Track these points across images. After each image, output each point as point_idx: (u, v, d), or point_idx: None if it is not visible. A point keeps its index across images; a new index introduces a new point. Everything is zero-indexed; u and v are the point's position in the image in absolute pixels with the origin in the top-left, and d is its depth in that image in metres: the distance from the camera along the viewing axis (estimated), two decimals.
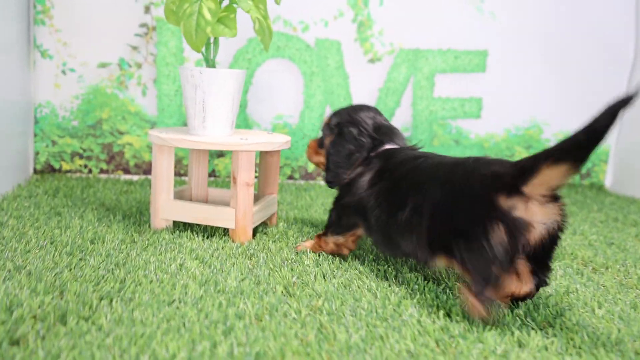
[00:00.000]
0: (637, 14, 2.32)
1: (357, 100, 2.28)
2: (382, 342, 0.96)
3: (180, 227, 1.58)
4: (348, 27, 2.23)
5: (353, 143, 1.37)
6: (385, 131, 1.39)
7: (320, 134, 1.54)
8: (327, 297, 1.14)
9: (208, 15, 1.42)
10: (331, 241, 1.40)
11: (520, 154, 2.38)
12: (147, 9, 2.12)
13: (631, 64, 2.33)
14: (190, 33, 1.42)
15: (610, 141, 2.43)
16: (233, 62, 2.18)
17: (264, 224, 1.67)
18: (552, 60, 2.33)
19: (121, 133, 2.17)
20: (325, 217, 1.79)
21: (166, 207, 1.54)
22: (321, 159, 1.48)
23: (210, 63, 1.55)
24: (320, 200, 2.02)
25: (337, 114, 1.45)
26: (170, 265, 1.27)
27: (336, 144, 1.40)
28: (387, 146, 1.37)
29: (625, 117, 2.36)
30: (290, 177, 2.32)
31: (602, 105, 0.91)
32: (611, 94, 2.37)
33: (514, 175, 1.03)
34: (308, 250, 1.41)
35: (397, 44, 2.25)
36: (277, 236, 1.55)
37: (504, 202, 1.02)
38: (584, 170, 2.42)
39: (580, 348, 0.99)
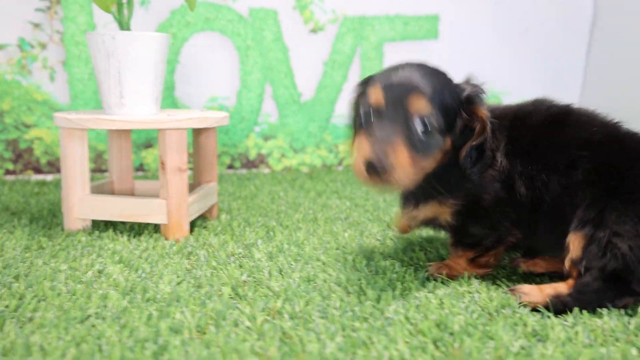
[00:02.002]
0: None
1: (299, 77, 2.04)
2: (367, 349, 0.73)
3: (101, 227, 1.31)
4: None
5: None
6: None
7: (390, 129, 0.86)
8: (288, 296, 0.91)
9: None
10: (482, 262, 1.02)
11: None
12: None
13: (590, 22, 2.19)
14: None
15: None
16: None
17: (203, 217, 1.41)
18: (507, 21, 2.16)
19: (27, 126, 1.86)
20: (274, 205, 1.55)
21: (82, 204, 1.27)
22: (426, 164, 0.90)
23: (124, 27, 1.28)
24: (267, 188, 1.78)
25: (430, 79, 0.88)
26: (87, 273, 1.01)
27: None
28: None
29: (589, 79, 2.23)
30: (230, 167, 2.06)
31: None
32: (571, 55, 2.30)
33: None
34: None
35: (340, 11, 2.02)
36: (219, 229, 1.31)
37: None
38: None
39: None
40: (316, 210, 1.50)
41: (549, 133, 0.94)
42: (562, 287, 0.88)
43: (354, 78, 2.07)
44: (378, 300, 0.90)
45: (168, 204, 1.23)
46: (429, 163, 0.89)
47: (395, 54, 2.08)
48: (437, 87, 0.87)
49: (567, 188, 0.90)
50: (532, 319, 0.82)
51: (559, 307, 0.85)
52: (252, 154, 2.06)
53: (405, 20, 2.06)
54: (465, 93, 0.90)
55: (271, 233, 1.28)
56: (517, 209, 0.95)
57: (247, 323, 0.81)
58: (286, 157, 2.08)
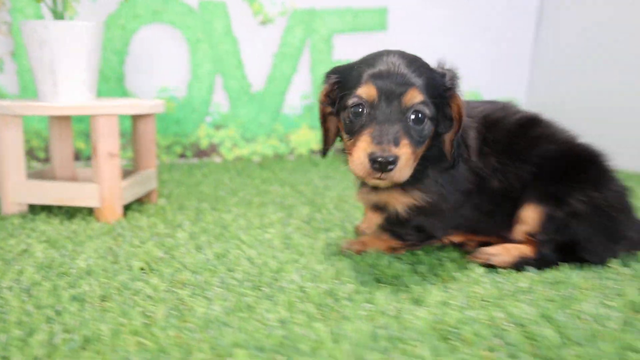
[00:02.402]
0: None
1: (249, 68, 2.09)
2: (250, 312, 0.78)
3: (37, 211, 1.34)
4: None
5: None
6: None
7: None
8: (196, 269, 0.96)
9: None
10: (400, 251, 1.05)
11: None
12: None
13: (537, 15, 2.25)
14: None
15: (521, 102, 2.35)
16: (104, 30, 1.94)
17: (141, 202, 1.45)
18: (454, 14, 2.21)
19: None
20: (215, 192, 1.59)
21: (17, 189, 1.31)
22: (420, 152, 0.93)
23: (58, 15, 1.32)
24: (214, 176, 1.82)
25: (418, 67, 0.90)
26: (10, 252, 1.05)
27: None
28: None
29: (535, 75, 2.30)
30: (182, 156, 2.10)
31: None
32: (519, 43, 2.35)
33: None
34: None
35: (289, 4, 2.07)
36: (152, 212, 1.35)
37: None
38: None
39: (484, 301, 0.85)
40: (254, 195, 1.55)
41: (523, 133, 1.02)
42: (526, 250, 0.99)
43: (304, 70, 2.12)
44: (279, 271, 0.94)
45: (100, 188, 1.27)
46: (422, 151, 0.91)
47: (345, 46, 2.13)
48: (424, 75, 0.88)
49: (535, 176, 0.99)
50: (417, 287, 0.88)
51: (522, 267, 0.97)
52: (204, 144, 2.10)
53: (355, 13, 2.11)
54: (447, 79, 0.92)
55: (201, 215, 1.32)
56: (483, 204, 1.02)
57: (149, 292, 0.86)
58: (238, 146, 2.13)
